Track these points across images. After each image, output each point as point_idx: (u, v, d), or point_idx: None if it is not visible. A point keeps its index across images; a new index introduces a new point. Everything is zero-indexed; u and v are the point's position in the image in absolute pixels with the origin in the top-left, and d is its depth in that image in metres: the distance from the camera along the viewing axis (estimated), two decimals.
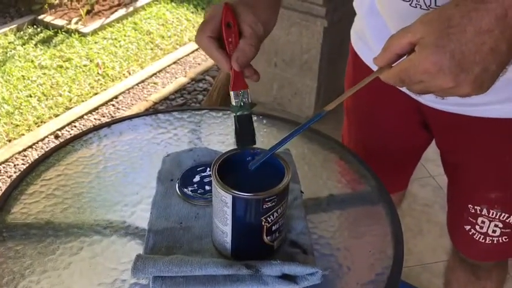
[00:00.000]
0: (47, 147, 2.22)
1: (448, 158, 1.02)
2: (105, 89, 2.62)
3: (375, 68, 0.95)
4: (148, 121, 0.94)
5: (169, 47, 3.03)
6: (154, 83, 2.72)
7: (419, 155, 1.13)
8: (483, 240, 0.98)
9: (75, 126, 2.36)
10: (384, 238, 0.72)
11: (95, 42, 2.98)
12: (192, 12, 3.39)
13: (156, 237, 0.69)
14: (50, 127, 2.32)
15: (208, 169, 0.80)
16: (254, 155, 0.67)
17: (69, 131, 2.33)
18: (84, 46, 2.93)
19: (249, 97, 0.71)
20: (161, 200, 0.75)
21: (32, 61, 2.77)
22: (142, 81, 2.71)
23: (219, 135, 0.91)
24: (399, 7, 0.76)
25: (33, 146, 2.23)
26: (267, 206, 0.62)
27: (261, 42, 0.72)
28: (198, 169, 0.80)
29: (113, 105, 2.53)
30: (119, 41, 3.01)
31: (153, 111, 0.97)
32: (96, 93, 2.58)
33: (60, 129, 2.32)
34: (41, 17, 3.14)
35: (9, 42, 2.92)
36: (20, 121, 2.35)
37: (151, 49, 2.99)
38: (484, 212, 0.95)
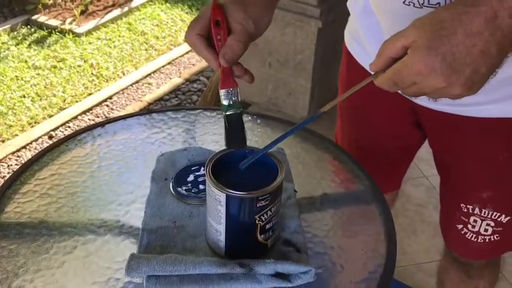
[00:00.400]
0: (40, 148, 2.21)
1: (441, 158, 1.02)
2: (99, 90, 2.61)
3: (368, 68, 0.96)
4: (143, 121, 0.94)
5: (164, 48, 3.03)
6: (149, 84, 2.71)
7: (412, 154, 1.14)
8: (475, 239, 0.98)
9: (69, 127, 2.36)
10: (377, 237, 0.73)
11: (89, 43, 2.97)
12: (187, 13, 3.39)
13: (150, 236, 0.69)
14: (43, 127, 2.32)
15: (202, 168, 0.80)
16: (247, 154, 0.67)
17: (63, 132, 2.32)
18: (78, 46, 2.92)
19: (238, 96, 0.70)
20: (155, 199, 0.75)
21: (26, 61, 2.76)
22: (137, 82, 2.71)
23: (213, 135, 0.91)
24: (393, 5, 0.77)
25: (27, 147, 2.22)
26: (260, 204, 0.62)
27: (252, 39, 0.71)
28: (192, 168, 0.80)
29: (107, 105, 2.53)
30: (113, 42, 3.01)
31: (147, 110, 0.97)
32: (90, 94, 2.58)
33: (54, 130, 2.32)
34: (34, 17, 3.13)
35: (2, 43, 2.90)
36: (13, 121, 2.34)
37: (146, 50, 2.99)
38: (476, 211, 0.96)
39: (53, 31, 3.03)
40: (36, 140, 2.25)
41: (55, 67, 2.74)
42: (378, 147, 1.07)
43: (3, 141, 2.23)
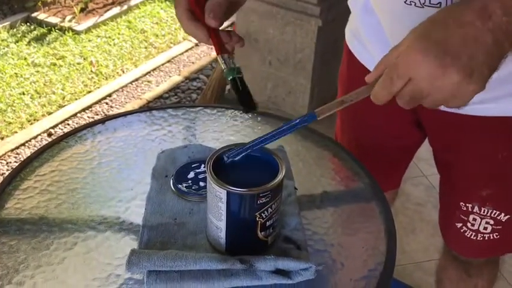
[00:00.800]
0: (39, 145, 2.21)
1: (441, 156, 1.03)
2: (98, 87, 2.61)
3: (369, 66, 0.96)
4: (143, 118, 0.94)
5: (164, 46, 3.02)
6: (148, 82, 2.71)
7: (412, 153, 1.14)
8: (474, 237, 0.99)
9: (68, 124, 2.36)
10: (377, 235, 0.73)
11: (89, 40, 2.97)
12: None
13: (150, 233, 0.69)
14: (43, 125, 2.31)
15: (202, 165, 0.80)
16: (245, 150, 0.67)
17: (62, 129, 2.32)
18: (77, 44, 2.92)
19: (234, 62, 0.70)
20: (156, 196, 0.75)
21: (25, 59, 2.76)
22: (136, 80, 2.71)
23: (213, 132, 0.91)
24: (394, 5, 0.76)
25: (26, 144, 2.22)
26: (261, 201, 0.62)
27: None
28: (193, 165, 0.81)
29: (107, 103, 2.52)
30: (113, 39, 3.01)
31: (147, 108, 0.97)
32: (89, 92, 2.57)
33: (53, 127, 2.32)
34: (34, 14, 3.12)
35: (2, 40, 2.90)
36: (12, 119, 2.34)
37: (145, 47, 2.99)
38: (476, 209, 0.96)
39: (53, 28, 3.02)
40: (35, 138, 2.25)
41: (54, 64, 2.73)
42: (377, 145, 1.07)
43: (2, 139, 2.23)
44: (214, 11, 0.69)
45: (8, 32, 2.98)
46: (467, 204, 0.97)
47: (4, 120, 2.32)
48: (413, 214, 1.93)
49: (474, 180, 0.96)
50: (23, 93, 2.50)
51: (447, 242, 1.10)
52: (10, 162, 2.12)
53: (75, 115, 2.41)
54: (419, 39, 0.57)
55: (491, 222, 0.96)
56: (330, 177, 0.85)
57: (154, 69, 2.81)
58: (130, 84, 2.67)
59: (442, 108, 0.88)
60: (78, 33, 3.00)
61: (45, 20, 3.07)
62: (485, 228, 0.97)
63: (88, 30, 3.03)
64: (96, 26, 3.08)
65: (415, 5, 0.73)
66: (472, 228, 0.99)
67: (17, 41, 2.91)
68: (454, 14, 0.57)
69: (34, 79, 2.61)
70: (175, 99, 2.56)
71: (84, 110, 2.45)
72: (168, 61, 2.89)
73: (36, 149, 2.16)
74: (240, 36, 0.73)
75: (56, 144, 0.86)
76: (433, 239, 1.75)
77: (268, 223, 0.65)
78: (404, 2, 0.74)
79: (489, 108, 0.85)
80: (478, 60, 0.56)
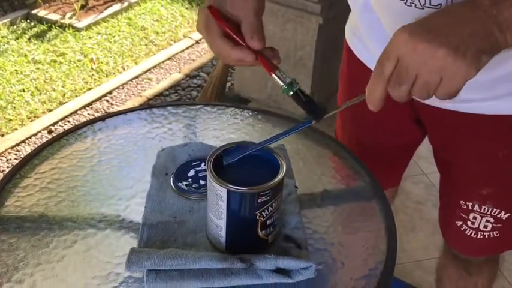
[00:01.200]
0: (40, 142, 2.21)
1: (441, 154, 1.02)
2: (99, 85, 2.61)
3: (369, 64, 0.96)
4: (143, 115, 0.93)
5: (164, 43, 3.02)
6: (149, 79, 2.71)
7: (412, 151, 1.14)
8: (475, 236, 0.99)
9: (68, 122, 2.35)
10: (378, 233, 0.73)
11: (89, 37, 2.96)
12: (187, 8, 3.38)
13: (150, 231, 0.69)
14: (43, 122, 2.31)
15: (203, 164, 0.80)
16: (245, 150, 0.67)
17: (62, 126, 2.32)
18: (78, 41, 2.92)
19: (287, 76, 0.68)
20: (156, 194, 0.75)
21: (26, 55, 2.76)
22: (137, 77, 2.70)
23: (214, 130, 0.91)
24: (394, 6, 0.76)
25: (26, 141, 2.21)
26: (261, 200, 0.62)
27: (260, 14, 0.70)
28: (193, 163, 0.80)
29: (107, 100, 2.52)
30: (113, 37, 3.00)
31: (147, 105, 0.97)
32: (89, 89, 2.57)
33: (53, 124, 2.31)
34: (34, 11, 3.12)
35: (2, 37, 2.90)
36: (12, 116, 2.34)
37: (146, 45, 2.98)
38: (476, 207, 0.96)
39: (53, 25, 3.02)
40: (35, 135, 2.25)
41: (55, 61, 2.73)
42: (377, 143, 1.06)
43: (2, 136, 2.23)
44: (256, 33, 0.68)
45: (8, 29, 2.98)
46: (467, 203, 0.97)
47: (4, 117, 2.32)
48: (413, 212, 1.93)
49: (474, 179, 0.96)
50: (23, 90, 2.50)
51: (447, 240, 1.10)
52: (10, 159, 2.12)
53: (75, 112, 2.40)
54: (407, 25, 0.58)
55: (492, 220, 0.96)
56: (330, 176, 0.85)
57: (154, 67, 2.80)
58: (130, 82, 2.66)
59: (439, 105, 0.89)
60: (78, 30, 2.99)
61: (46, 16, 3.07)
62: (485, 227, 0.97)
63: (88, 27, 3.03)
64: (96, 23, 3.08)
65: (415, 6, 0.73)
66: (472, 226, 0.99)
67: (17, 38, 2.90)
68: (442, 9, 0.59)
69: (34, 76, 2.61)
70: (175, 97, 2.56)
71: (84, 107, 2.44)
72: (169, 58, 2.88)
73: (36, 146, 2.16)
74: (275, 50, 0.72)
75: (56, 142, 0.86)
76: (433, 237, 1.75)
77: (268, 222, 0.65)
78: (405, 4, 0.74)
79: (488, 107, 0.85)
80: (463, 37, 0.55)
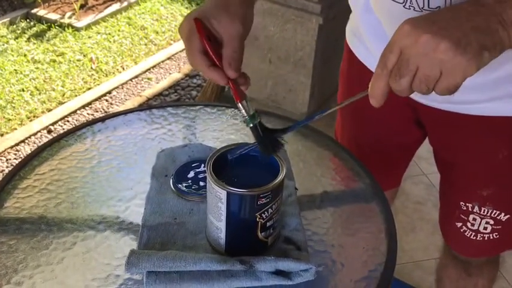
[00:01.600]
0: (39, 142, 2.20)
1: (441, 155, 1.02)
2: (98, 84, 2.60)
3: (369, 64, 0.96)
4: (143, 116, 0.93)
5: (164, 43, 3.02)
6: (148, 79, 2.71)
7: (412, 152, 1.14)
8: (474, 237, 0.98)
9: (68, 121, 2.35)
10: (378, 235, 0.73)
11: (89, 37, 2.96)
12: (187, 8, 3.38)
13: (150, 233, 0.69)
14: (42, 122, 2.31)
15: (202, 165, 0.79)
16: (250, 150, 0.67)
17: (62, 126, 2.32)
18: (77, 41, 2.91)
19: (252, 106, 0.68)
20: (155, 195, 0.75)
21: (25, 55, 2.75)
22: (136, 77, 2.70)
23: (213, 131, 0.91)
24: (393, 9, 0.76)
25: (26, 141, 2.21)
26: (261, 202, 0.62)
27: (243, 40, 0.69)
28: (193, 165, 0.80)
29: (107, 100, 2.52)
30: (113, 36, 3.00)
31: (147, 106, 0.97)
32: (89, 88, 2.57)
33: (53, 124, 2.31)
34: (34, 10, 3.11)
35: (1, 36, 2.89)
36: (12, 115, 2.33)
37: (145, 44, 2.98)
38: (476, 209, 0.96)
39: (53, 25, 3.01)
40: (35, 134, 2.24)
41: (54, 61, 2.73)
42: (378, 144, 1.06)
43: (1, 135, 2.22)
44: (234, 61, 0.68)
45: (7, 29, 2.97)
46: (467, 204, 0.97)
47: (4, 117, 2.32)
48: (413, 213, 1.93)
49: (474, 180, 0.96)
50: (23, 90, 2.50)
51: (447, 241, 1.10)
52: (10, 159, 2.12)
53: (75, 112, 2.40)
54: (411, 18, 0.58)
55: (491, 222, 0.96)
56: (330, 177, 0.85)
57: (154, 66, 2.80)
58: (130, 81, 2.66)
59: (439, 106, 0.89)
60: (78, 29, 2.99)
61: (45, 16, 3.06)
62: (485, 228, 0.97)
63: (88, 26, 3.02)
64: (96, 22, 3.07)
65: (414, 9, 0.73)
66: (471, 228, 0.99)
67: (16, 38, 2.90)
68: (448, 6, 0.60)
69: (34, 76, 2.60)
70: (175, 97, 2.55)
71: (84, 106, 2.44)
72: (168, 58, 2.88)
73: (36, 145, 2.16)
74: (247, 77, 0.71)
75: (55, 143, 0.85)
76: (433, 237, 1.75)
77: (268, 224, 0.64)
78: (403, 7, 0.74)
79: (488, 108, 0.85)
80: (465, 31, 0.55)
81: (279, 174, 0.63)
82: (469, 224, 0.99)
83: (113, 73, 2.71)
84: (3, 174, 1.99)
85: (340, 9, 2.03)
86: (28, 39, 2.89)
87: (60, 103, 2.44)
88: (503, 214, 0.95)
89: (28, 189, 0.76)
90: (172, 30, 3.13)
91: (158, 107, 0.95)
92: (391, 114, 1.02)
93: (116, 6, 3.23)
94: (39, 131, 2.26)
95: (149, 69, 2.77)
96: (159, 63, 2.83)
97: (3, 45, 2.82)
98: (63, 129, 2.29)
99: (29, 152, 0.89)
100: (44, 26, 3.01)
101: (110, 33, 3.02)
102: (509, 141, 0.89)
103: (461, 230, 1.00)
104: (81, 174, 0.80)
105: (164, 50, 2.94)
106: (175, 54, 2.92)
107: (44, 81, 2.58)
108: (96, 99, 2.50)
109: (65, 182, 0.79)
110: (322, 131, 0.91)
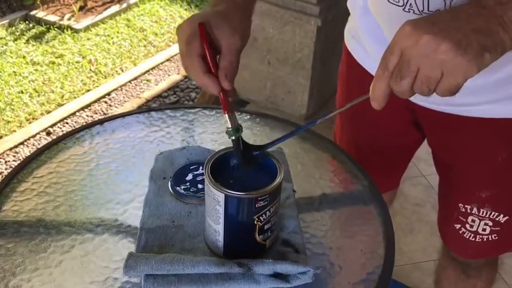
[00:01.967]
0: (38, 144, 2.20)
1: (440, 157, 1.02)
2: (97, 86, 2.60)
3: (368, 67, 0.96)
4: (141, 119, 0.93)
5: (163, 44, 3.02)
6: (147, 80, 2.71)
7: (411, 154, 1.14)
8: (473, 239, 0.99)
9: (67, 123, 2.35)
10: (376, 238, 0.73)
11: (88, 39, 2.96)
12: (186, 10, 3.38)
13: (148, 236, 0.69)
14: (41, 124, 2.31)
15: (201, 167, 0.79)
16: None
17: (61, 128, 2.31)
18: (76, 42, 2.91)
19: (237, 119, 0.68)
20: (154, 198, 0.75)
21: (24, 57, 2.75)
22: (135, 78, 2.70)
23: (212, 134, 0.91)
24: (392, 12, 0.76)
25: (25, 143, 2.21)
26: (259, 205, 0.62)
27: (240, 53, 0.70)
28: (191, 167, 0.80)
29: (106, 102, 2.52)
30: (112, 38, 3.00)
31: (146, 109, 0.97)
32: (88, 90, 2.57)
33: (52, 126, 2.31)
34: (33, 12, 3.11)
35: (0, 38, 2.89)
36: (11, 117, 2.33)
37: (145, 46, 2.98)
38: (475, 210, 0.96)
39: (52, 27, 3.02)
40: (34, 136, 2.24)
41: (53, 63, 2.73)
42: (376, 146, 1.06)
43: (0, 137, 2.22)
44: (230, 73, 0.67)
45: (6, 30, 2.97)
46: (466, 206, 0.97)
47: (3, 119, 2.31)
48: (412, 214, 1.93)
49: (473, 182, 0.96)
50: (22, 92, 2.50)
51: (446, 242, 1.10)
52: (9, 161, 2.12)
53: (74, 114, 2.40)
54: (412, 19, 0.58)
55: (490, 223, 0.96)
56: (328, 180, 0.85)
57: (153, 68, 2.80)
58: (129, 83, 2.66)
59: (438, 108, 0.89)
60: (77, 31, 2.99)
61: (44, 18, 3.06)
62: (483, 230, 0.97)
63: (87, 28, 3.03)
64: (95, 24, 3.07)
65: (413, 12, 0.73)
66: (470, 229, 0.99)
67: (15, 39, 2.90)
68: (449, 8, 0.61)
69: (33, 78, 2.60)
70: (174, 98, 2.56)
71: (83, 108, 2.44)
72: (167, 60, 2.88)
73: (35, 147, 2.16)
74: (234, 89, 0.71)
75: (54, 146, 0.85)
76: (432, 239, 1.75)
77: (266, 226, 0.64)
78: (403, 10, 0.74)
79: (487, 110, 0.85)
80: (466, 32, 0.55)
81: (277, 177, 0.63)
82: (467, 226, 0.99)
83: (112, 75, 2.71)
84: (2, 177, 1.99)
85: (338, 11, 2.03)
86: (27, 41, 2.89)
87: (59, 105, 2.44)
88: (502, 216, 0.95)
89: (26, 192, 0.77)
90: (171, 32, 3.13)
91: (157, 110, 0.95)
92: (389, 116, 1.02)
93: (115, 8, 3.23)
94: (38, 133, 2.26)
95: (148, 71, 2.77)
96: (158, 65, 2.83)
97: (2, 47, 2.82)
98: (62, 131, 2.29)
99: (28, 154, 0.89)
100: (43, 28, 3.01)
101: (109, 35, 3.02)
102: (508, 144, 0.89)
103: (460, 232, 1.00)
104: (79, 177, 0.80)
105: (163, 52, 2.95)
106: (175, 55, 2.92)
107: (43, 83, 2.58)
108: (95, 101, 2.50)
109: (63, 185, 0.79)
110: (321, 134, 0.91)
